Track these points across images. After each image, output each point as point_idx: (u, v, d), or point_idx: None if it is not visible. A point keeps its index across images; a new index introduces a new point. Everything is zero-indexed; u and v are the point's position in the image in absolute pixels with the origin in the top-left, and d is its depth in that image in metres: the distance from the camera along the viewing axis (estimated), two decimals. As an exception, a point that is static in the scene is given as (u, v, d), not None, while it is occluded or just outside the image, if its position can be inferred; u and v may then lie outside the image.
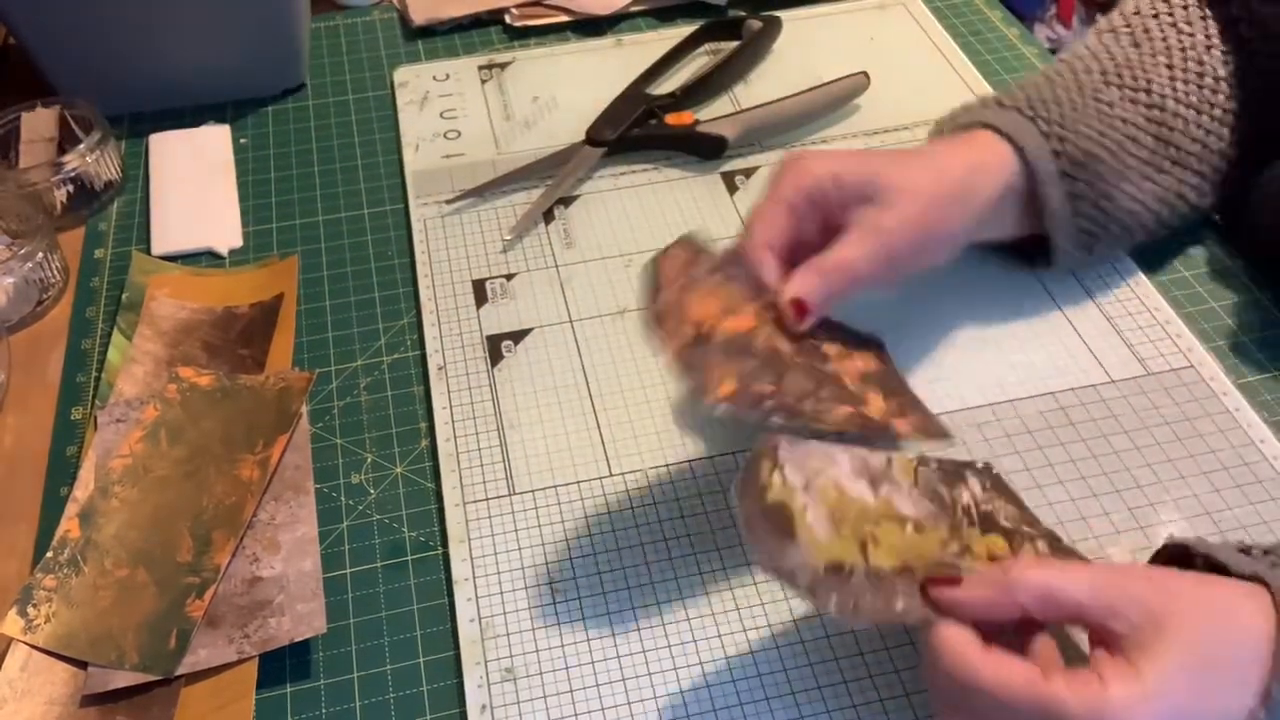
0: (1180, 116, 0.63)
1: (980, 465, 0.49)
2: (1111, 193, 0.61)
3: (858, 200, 0.55)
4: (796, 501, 0.44)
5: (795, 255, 0.56)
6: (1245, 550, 0.45)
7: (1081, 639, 0.46)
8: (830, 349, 0.59)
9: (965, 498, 0.48)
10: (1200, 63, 0.64)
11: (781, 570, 0.43)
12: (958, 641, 0.41)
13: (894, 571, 0.44)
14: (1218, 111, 0.64)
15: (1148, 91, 0.63)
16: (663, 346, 0.53)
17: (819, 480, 0.45)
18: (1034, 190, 0.60)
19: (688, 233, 0.58)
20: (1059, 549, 0.48)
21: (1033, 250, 0.64)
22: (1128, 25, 0.67)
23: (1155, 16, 0.66)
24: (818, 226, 0.57)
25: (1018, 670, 0.40)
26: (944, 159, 0.58)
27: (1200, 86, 0.63)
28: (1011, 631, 0.43)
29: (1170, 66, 0.64)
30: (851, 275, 0.54)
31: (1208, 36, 0.65)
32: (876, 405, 0.58)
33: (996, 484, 0.49)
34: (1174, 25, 0.65)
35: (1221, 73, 0.64)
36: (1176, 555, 0.47)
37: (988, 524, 0.47)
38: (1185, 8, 0.66)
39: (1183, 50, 0.64)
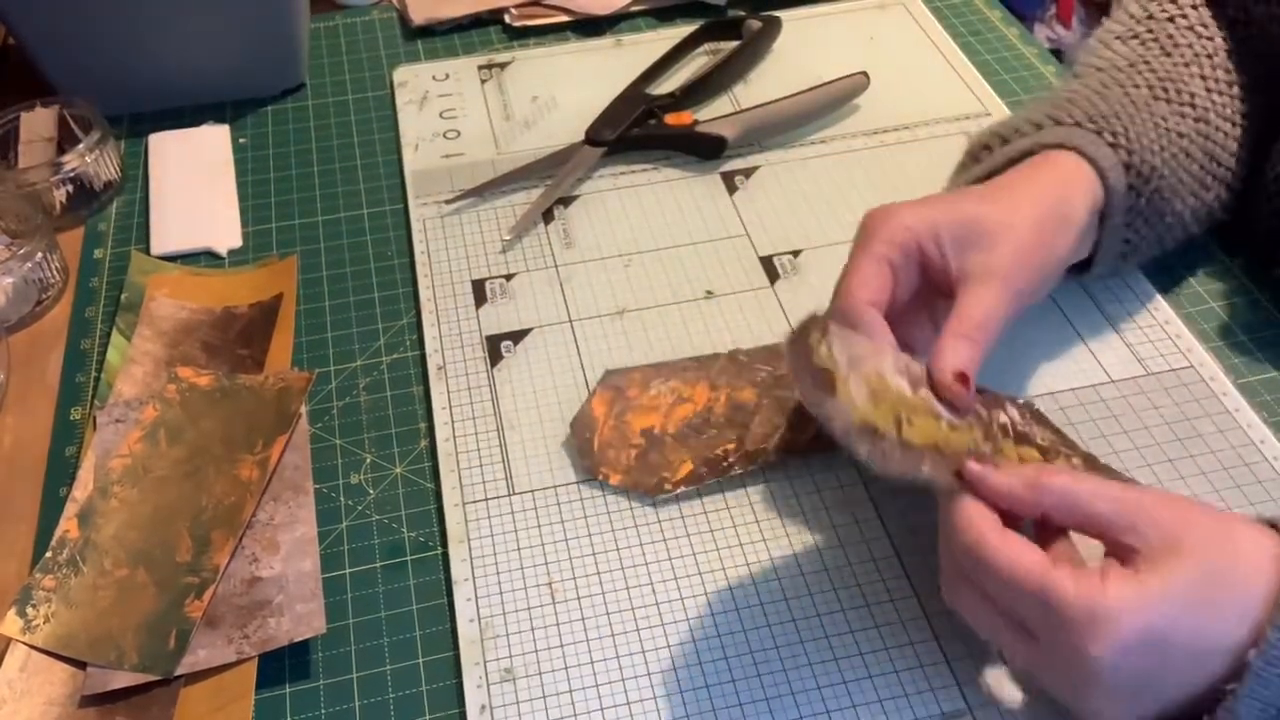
0: (1221, 130, 0.61)
1: (1021, 400, 0.51)
2: (1164, 209, 0.59)
3: (960, 247, 0.52)
4: (840, 370, 0.46)
5: (891, 314, 0.52)
6: None
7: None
8: None
9: (1002, 418, 0.49)
10: (1228, 70, 0.62)
11: (820, 410, 0.46)
12: (979, 517, 0.43)
13: (924, 447, 0.45)
14: (1247, 123, 0.62)
15: (1192, 105, 0.61)
16: (608, 478, 0.57)
17: (862, 365, 0.46)
18: (1103, 207, 0.57)
19: (605, 375, 0.61)
20: (1096, 467, 0.49)
21: None
22: (1151, 32, 0.64)
23: (1171, 20, 0.64)
24: (913, 281, 0.53)
25: (1028, 556, 0.42)
26: (1030, 188, 0.55)
27: (1232, 97, 0.62)
28: (1034, 533, 0.44)
29: (1204, 77, 0.62)
30: (995, 328, 0.51)
31: (1225, 40, 0.63)
32: None
33: (1036, 416, 0.50)
34: (1191, 29, 0.63)
35: (1244, 79, 0.63)
36: None
37: (1023, 441, 0.48)
38: (1195, 8, 0.64)
39: (1210, 57, 0.62)
